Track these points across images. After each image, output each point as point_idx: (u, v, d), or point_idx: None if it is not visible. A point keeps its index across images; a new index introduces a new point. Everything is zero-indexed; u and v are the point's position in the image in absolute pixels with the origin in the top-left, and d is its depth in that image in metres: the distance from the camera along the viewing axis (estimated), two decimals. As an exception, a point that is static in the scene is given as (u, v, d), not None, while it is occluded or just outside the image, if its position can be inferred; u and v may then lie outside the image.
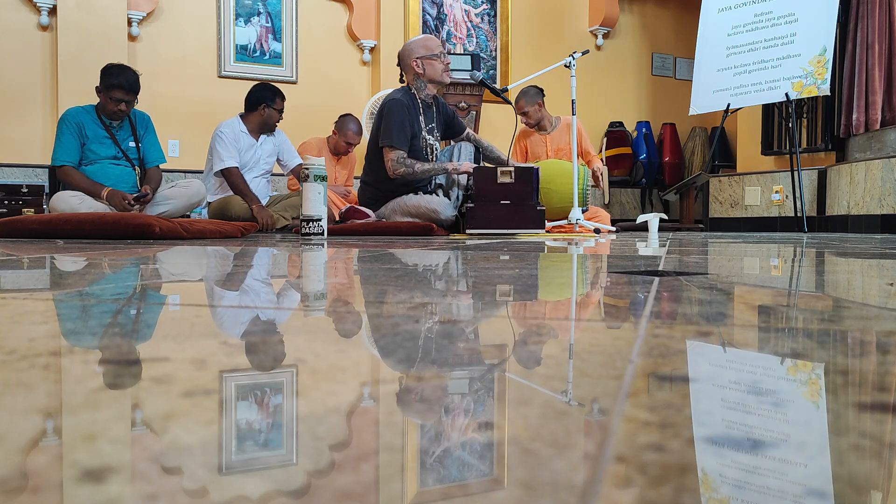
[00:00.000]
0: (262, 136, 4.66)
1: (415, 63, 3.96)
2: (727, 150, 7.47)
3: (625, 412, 0.35)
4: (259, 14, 6.12)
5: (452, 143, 4.27)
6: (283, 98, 4.63)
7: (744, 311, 0.77)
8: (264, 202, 4.65)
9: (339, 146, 5.24)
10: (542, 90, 5.17)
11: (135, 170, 4.16)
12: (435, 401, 0.38)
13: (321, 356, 0.49)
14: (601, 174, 5.16)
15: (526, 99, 5.08)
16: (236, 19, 6.04)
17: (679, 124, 7.72)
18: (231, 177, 4.40)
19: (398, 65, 4.10)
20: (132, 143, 4.15)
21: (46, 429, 0.32)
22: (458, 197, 4.05)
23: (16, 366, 0.44)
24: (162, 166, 5.58)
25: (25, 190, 5.07)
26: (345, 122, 5.22)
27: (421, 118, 3.99)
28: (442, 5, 6.72)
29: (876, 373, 0.45)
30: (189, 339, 0.55)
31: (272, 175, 5.07)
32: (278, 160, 4.87)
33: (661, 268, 1.33)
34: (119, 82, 3.94)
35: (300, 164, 4.53)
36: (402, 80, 4.11)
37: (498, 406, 0.38)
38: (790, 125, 5.76)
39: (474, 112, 5.92)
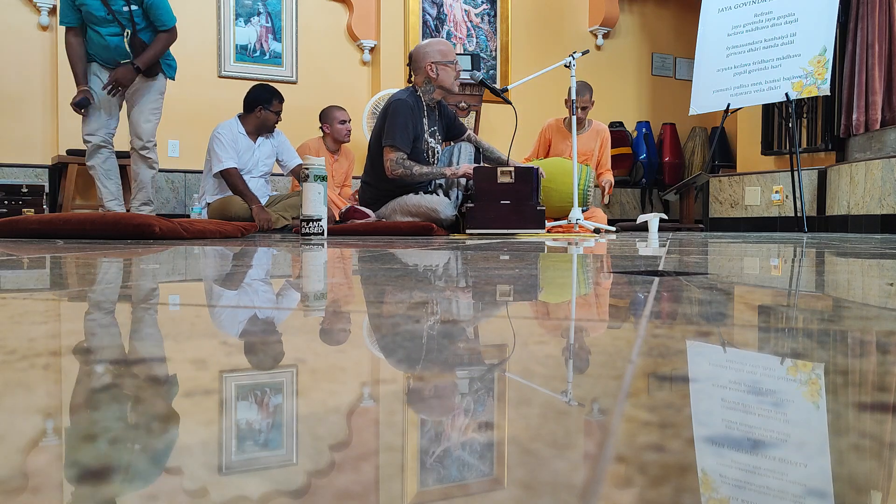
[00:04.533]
0: (261, 138, 4.67)
1: (429, 67, 3.94)
2: (727, 150, 7.47)
3: (625, 412, 0.35)
4: (259, 14, 6.12)
5: (452, 143, 4.27)
6: (280, 100, 4.62)
7: (744, 311, 0.77)
8: (263, 202, 4.65)
9: (338, 133, 5.20)
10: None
11: (124, 33, 3.94)
12: (435, 401, 0.38)
13: (321, 356, 0.49)
14: (607, 187, 5.12)
15: (590, 94, 4.99)
16: (236, 19, 6.04)
17: (679, 124, 7.72)
18: (230, 178, 4.40)
19: (408, 65, 4.08)
20: (125, 7, 3.94)
21: (46, 429, 0.32)
22: (457, 197, 4.05)
23: (16, 366, 0.44)
24: (162, 166, 5.59)
25: (25, 190, 5.07)
26: (329, 112, 5.21)
27: (424, 120, 3.99)
28: (442, 5, 6.72)
29: (876, 373, 0.45)
30: (189, 339, 0.55)
31: (272, 175, 5.07)
32: (278, 161, 4.87)
33: (661, 268, 1.33)
34: None
35: (300, 165, 4.55)
36: (409, 80, 4.10)
37: (498, 406, 0.38)
38: (790, 125, 5.75)
39: (474, 112, 5.92)
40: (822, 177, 6.06)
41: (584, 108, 4.99)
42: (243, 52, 6.07)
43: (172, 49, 4.21)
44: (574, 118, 4.49)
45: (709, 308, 0.76)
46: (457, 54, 5.64)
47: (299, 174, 3.88)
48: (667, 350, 0.51)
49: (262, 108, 4.54)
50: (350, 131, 5.27)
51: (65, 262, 1.47)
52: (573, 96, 4.48)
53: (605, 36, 7.48)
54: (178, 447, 0.29)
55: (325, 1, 6.38)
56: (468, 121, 5.83)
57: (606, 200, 5.23)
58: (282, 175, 5.46)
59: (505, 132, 6.20)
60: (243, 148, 4.56)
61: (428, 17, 6.67)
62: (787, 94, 5.55)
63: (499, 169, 3.82)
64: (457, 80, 4.02)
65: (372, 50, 6.50)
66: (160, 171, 5.71)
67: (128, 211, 4.38)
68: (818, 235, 4.37)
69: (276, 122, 4.64)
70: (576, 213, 4.24)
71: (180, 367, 0.44)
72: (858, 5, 5.83)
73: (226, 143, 4.46)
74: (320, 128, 5.28)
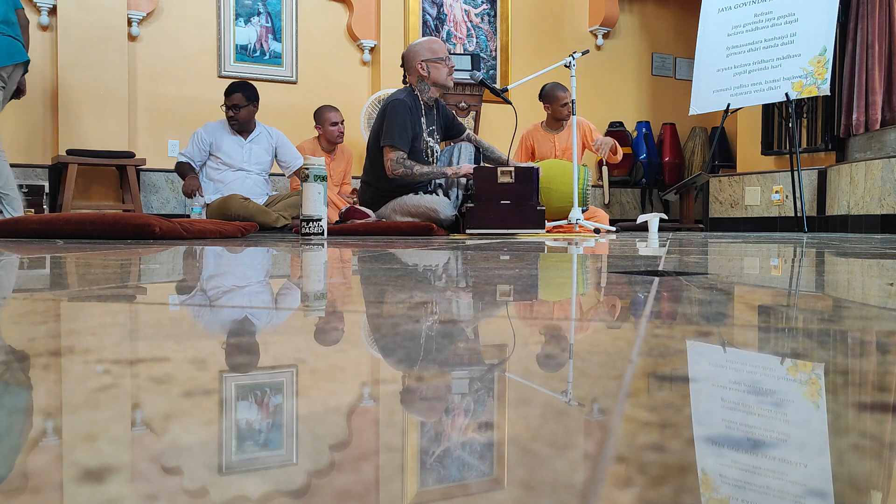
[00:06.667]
0: (253, 135, 4.79)
1: (420, 66, 3.95)
2: (727, 150, 7.47)
3: (625, 412, 0.35)
4: (259, 14, 6.12)
5: (452, 143, 4.26)
6: (227, 93, 4.72)
7: (744, 311, 0.77)
8: (262, 201, 4.68)
9: (329, 135, 5.23)
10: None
11: None
12: (435, 401, 0.38)
13: (321, 356, 0.49)
14: (607, 148, 5.01)
15: (564, 90, 5.04)
16: (236, 19, 6.04)
17: (679, 124, 7.72)
18: (178, 167, 4.73)
19: (402, 66, 4.09)
20: None
21: (46, 429, 0.32)
22: (457, 197, 4.05)
23: (16, 366, 0.44)
24: (161, 166, 5.68)
25: (25, 190, 5.07)
26: (321, 112, 5.25)
27: (423, 120, 3.99)
28: (442, 5, 6.72)
29: (876, 373, 0.45)
30: (189, 339, 0.55)
31: (271, 175, 5.08)
32: (279, 162, 4.91)
33: (661, 268, 1.33)
34: None
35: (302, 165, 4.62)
36: (404, 81, 4.11)
37: (498, 406, 0.38)
38: (790, 125, 5.75)
39: (474, 112, 5.92)
40: (822, 177, 6.06)
41: (565, 104, 5.03)
42: (243, 52, 6.07)
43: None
44: (574, 117, 4.49)
45: (709, 308, 0.76)
46: (457, 54, 5.65)
47: (300, 174, 3.89)
48: (667, 350, 0.51)
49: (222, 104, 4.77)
50: (343, 132, 5.29)
51: (65, 262, 1.47)
52: (573, 96, 4.48)
53: (605, 36, 7.48)
54: (178, 447, 0.29)
55: (325, 1, 6.38)
56: (468, 121, 5.83)
57: (593, 199, 5.16)
58: (282, 175, 5.46)
59: (505, 132, 6.20)
60: (229, 143, 4.73)
61: (428, 17, 6.67)
62: (787, 94, 5.55)
63: (499, 169, 3.82)
64: (450, 75, 4.02)
65: (372, 50, 6.49)
66: (160, 170, 5.74)
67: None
68: (818, 235, 4.37)
69: (233, 117, 4.70)
70: (576, 213, 4.24)
71: (180, 367, 0.44)
72: (858, 5, 5.83)
73: (194, 140, 4.73)
74: (315, 128, 5.32)
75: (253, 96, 4.74)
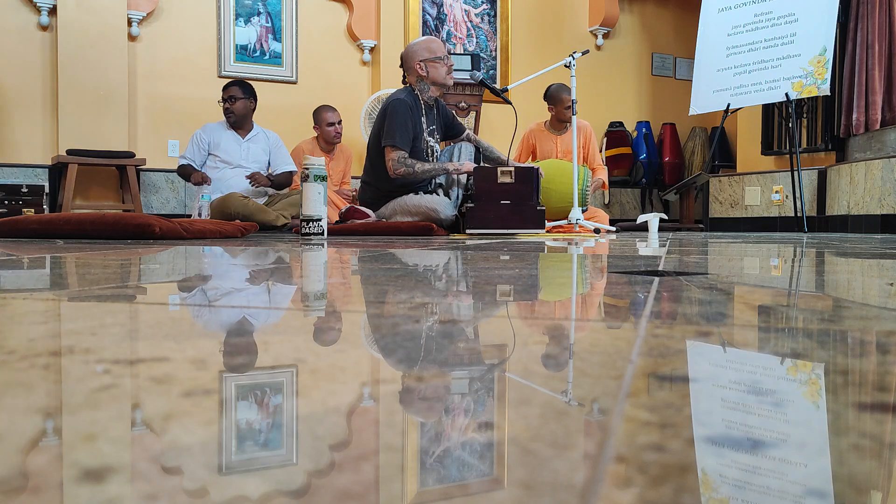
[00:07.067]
0: (251, 134, 4.87)
1: (418, 66, 3.96)
2: (727, 150, 7.47)
3: (625, 412, 0.35)
4: (259, 14, 6.12)
5: (452, 143, 4.27)
6: (225, 88, 4.86)
7: (744, 311, 0.77)
8: (262, 200, 4.70)
9: (326, 135, 5.25)
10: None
11: None
12: (435, 401, 0.38)
13: (321, 356, 0.49)
14: (599, 185, 5.15)
15: (569, 92, 5.03)
16: (236, 19, 6.04)
17: (679, 124, 7.72)
18: (180, 170, 4.81)
19: (401, 66, 4.10)
20: None
21: (46, 429, 0.32)
22: (458, 197, 4.05)
23: (16, 366, 0.44)
24: (161, 166, 5.75)
25: (25, 190, 5.06)
26: (319, 113, 5.28)
27: (423, 119, 3.99)
28: (442, 5, 6.71)
29: (876, 373, 0.45)
30: (189, 339, 0.55)
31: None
32: (270, 164, 4.97)
33: (661, 268, 1.33)
34: None
35: (291, 172, 4.79)
36: (404, 81, 4.11)
37: (498, 406, 0.38)
38: (790, 125, 5.75)
39: (474, 112, 5.91)
40: (822, 177, 6.06)
41: (569, 107, 5.02)
42: (243, 52, 6.07)
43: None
44: (574, 118, 4.49)
45: (709, 308, 0.76)
46: (457, 54, 5.65)
47: (300, 174, 3.90)
48: (667, 350, 0.51)
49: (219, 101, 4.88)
50: (340, 133, 5.30)
51: (65, 262, 1.47)
52: (573, 96, 4.49)
53: (605, 36, 7.48)
54: (178, 447, 0.29)
55: (325, 1, 6.38)
56: (468, 121, 5.83)
57: (594, 199, 5.22)
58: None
59: (505, 132, 6.20)
60: (227, 140, 4.81)
61: (428, 17, 6.66)
62: (787, 94, 5.55)
63: (499, 169, 3.82)
64: (449, 74, 4.02)
65: (372, 50, 6.49)
66: (160, 170, 5.74)
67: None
68: (818, 235, 4.37)
69: (229, 109, 4.80)
70: (576, 213, 4.24)
71: (180, 367, 0.44)
72: (858, 5, 5.83)
73: (194, 141, 4.83)
74: (313, 128, 5.34)
75: (249, 92, 4.82)
